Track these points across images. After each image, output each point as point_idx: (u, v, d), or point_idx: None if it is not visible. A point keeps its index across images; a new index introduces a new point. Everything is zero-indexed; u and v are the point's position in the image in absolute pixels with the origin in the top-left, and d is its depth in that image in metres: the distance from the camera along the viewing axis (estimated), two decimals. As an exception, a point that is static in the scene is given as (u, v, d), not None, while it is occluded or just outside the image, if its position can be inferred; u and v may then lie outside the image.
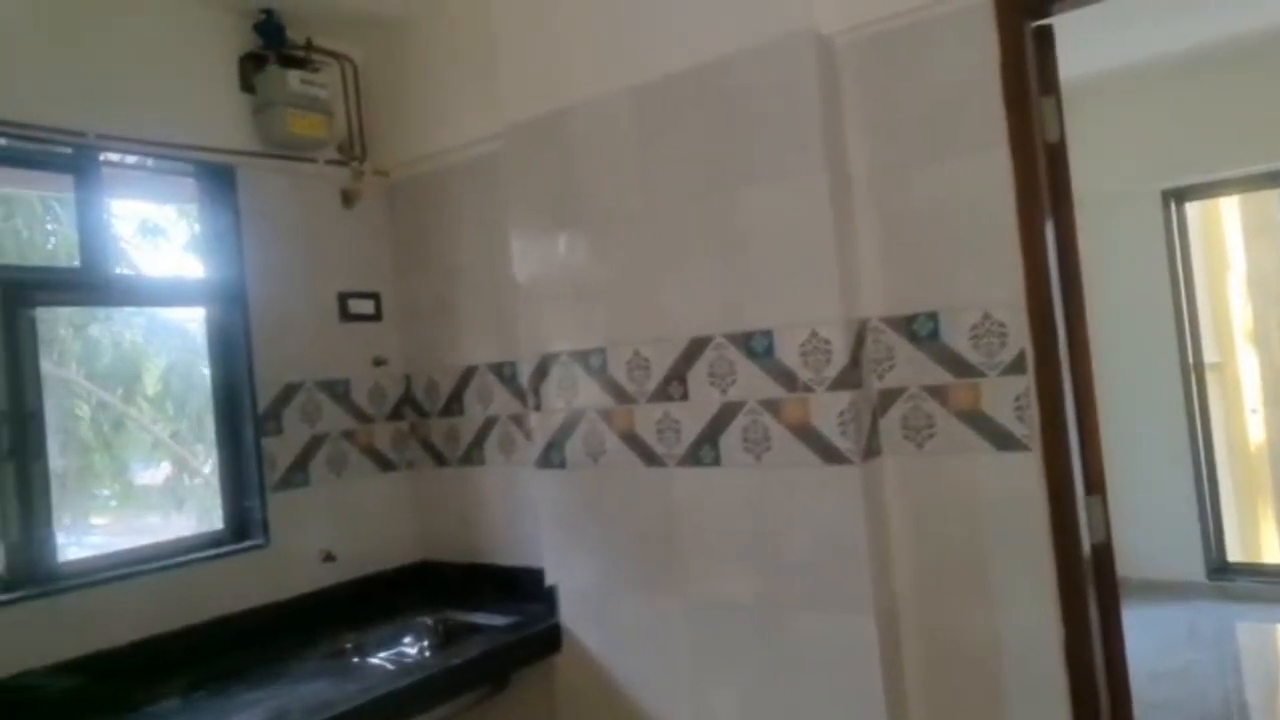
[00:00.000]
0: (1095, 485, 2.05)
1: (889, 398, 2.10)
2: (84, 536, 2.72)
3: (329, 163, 2.96)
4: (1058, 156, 2.06)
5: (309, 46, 2.89)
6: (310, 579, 2.73)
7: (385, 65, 3.09)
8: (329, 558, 2.78)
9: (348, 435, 2.93)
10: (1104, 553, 2.06)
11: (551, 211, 2.52)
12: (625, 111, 2.35)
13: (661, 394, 2.31)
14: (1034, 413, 1.93)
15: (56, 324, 2.71)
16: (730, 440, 2.19)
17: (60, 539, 2.34)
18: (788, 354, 2.11)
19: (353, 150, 3.02)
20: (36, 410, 2.34)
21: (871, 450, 2.08)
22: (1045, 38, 2.06)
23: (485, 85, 2.70)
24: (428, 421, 3.07)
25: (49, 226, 2.90)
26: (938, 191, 2.03)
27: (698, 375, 2.25)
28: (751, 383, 2.16)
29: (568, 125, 2.47)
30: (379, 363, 3.04)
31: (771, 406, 2.13)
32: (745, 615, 2.18)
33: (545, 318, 2.55)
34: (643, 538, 2.36)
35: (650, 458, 2.34)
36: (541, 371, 2.56)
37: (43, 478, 2.33)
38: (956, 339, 2.01)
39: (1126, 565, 3.40)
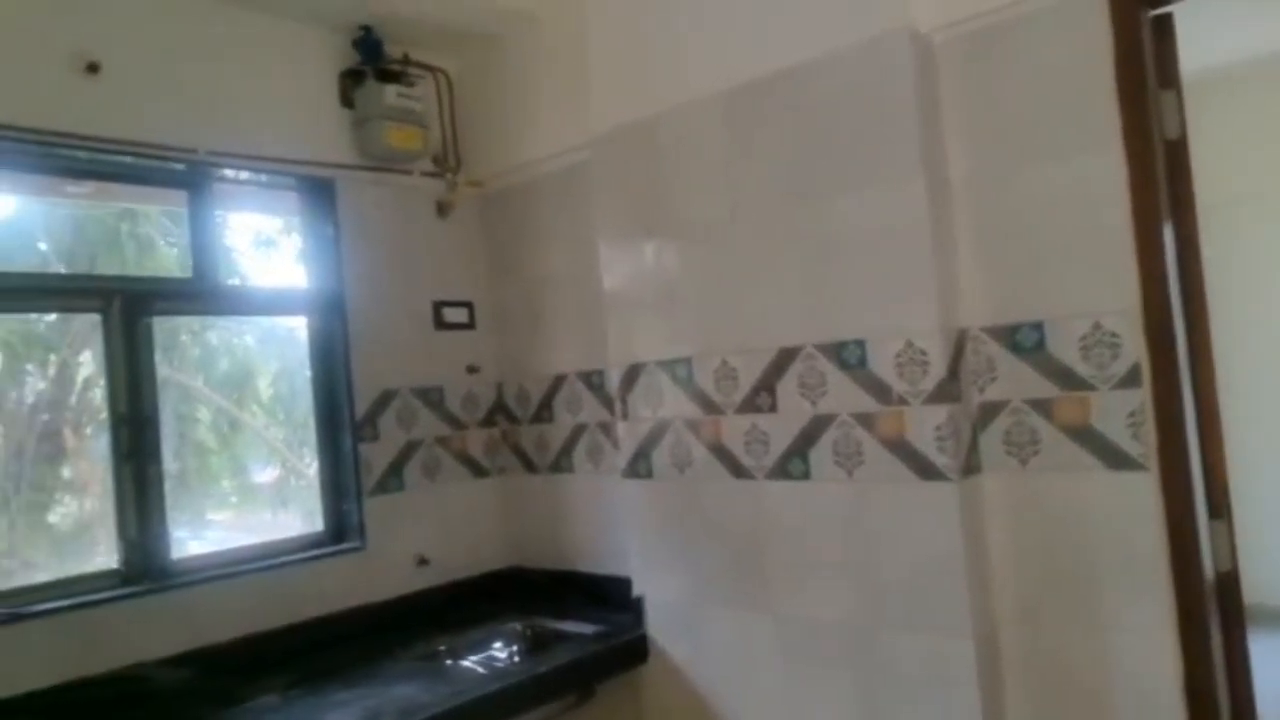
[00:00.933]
0: (1219, 508, 1.90)
1: (990, 412, 2.00)
2: (202, 531, 2.86)
3: (424, 174, 3.03)
4: (1178, 155, 1.93)
5: (405, 61, 2.97)
6: (404, 582, 2.79)
7: (479, 77, 3.14)
8: (423, 561, 2.84)
9: (441, 441, 2.99)
10: (1229, 581, 1.91)
11: (639, 219, 2.51)
12: (714, 117, 2.32)
13: (750, 405, 2.27)
14: (1150, 429, 1.80)
15: (177, 331, 2.86)
16: (821, 453, 2.13)
17: (180, 534, 2.46)
18: (882, 365, 2.03)
19: (447, 161, 3.08)
20: (153, 414, 2.47)
21: (971, 467, 1.98)
22: (1165, 27, 1.92)
23: (576, 95, 2.71)
24: (518, 428, 3.11)
25: (168, 239, 3.07)
26: (1043, 194, 1.92)
27: (787, 386, 2.19)
28: (843, 394, 2.10)
29: (656, 132, 2.45)
30: (472, 370, 3.09)
31: (864, 419, 2.06)
32: (838, 634, 2.12)
33: (633, 326, 2.54)
34: (731, 551, 2.31)
35: (738, 470, 2.29)
36: (629, 380, 2.54)
37: (158, 478, 2.45)
38: (1064, 350, 1.90)
39: (1257, 592, 3.16)
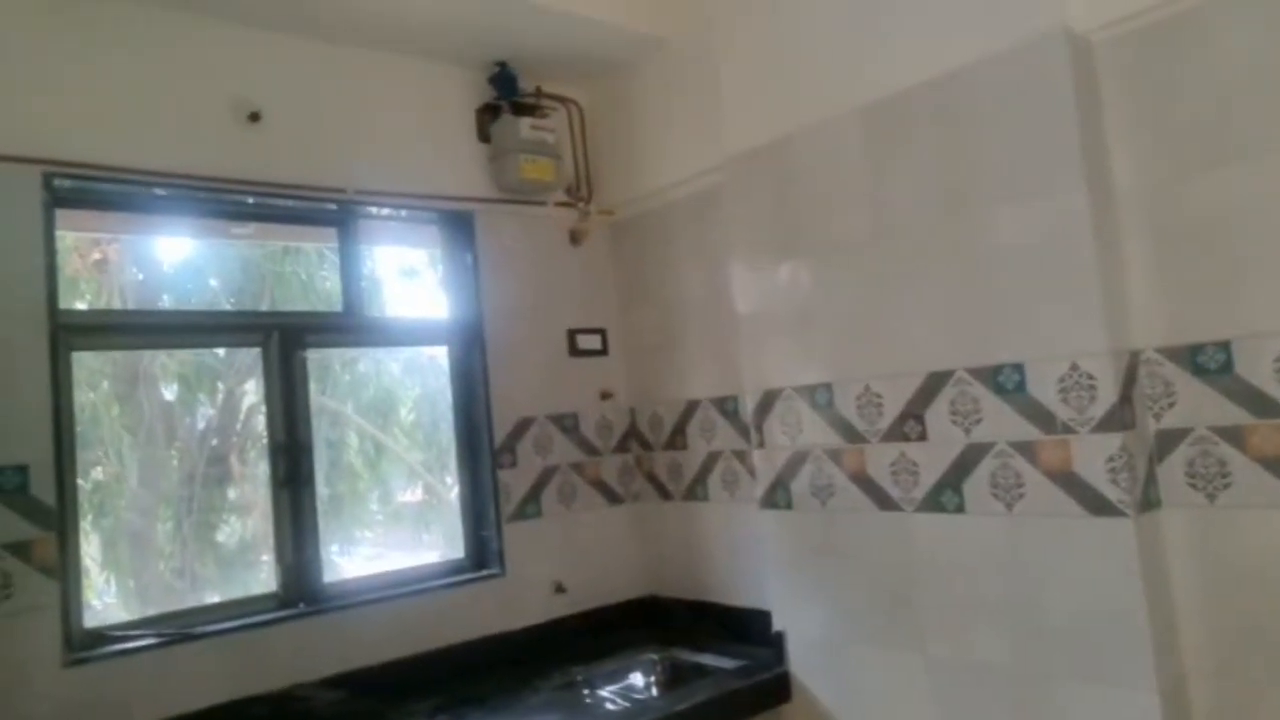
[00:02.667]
0: None
1: (1169, 440, 1.82)
2: (351, 549, 2.98)
3: (558, 204, 3.08)
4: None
5: (539, 94, 3.02)
6: (542, 609, 2.81)
7: (609, 106, 3.16)
8: (560, 589, 2.85)
9: (576, 468, 3.00)
10: None
11: (774, 241, 2.45)
12: (852, 133, 2.24)
13: (896, 433, 2.15)
14: (1369, 462, 1.59)
15: (329, 360, 3.01)
16: (976, 485, 2.00)
17: (332, 556, 2.56)
18: (1043, 390, 1.88)
19: (579, 191, 3.12)
20: (308, 442, 2.58)
21: (1149, 501, 1.80)
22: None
23: (707, 119, 2.68)
24: (652, 455, 3.08)
25: (320, 273, 3.24)
26: (1225, 201, 1.74)
27: (937, 413, 2.07)
28: (1000, 422, 1.96)
29: (791, 152, 2.39)
30: (605, 396, 3.10)
31: (1025, 449, 1.91)
32: (998, 680, 1.96)
33: (768, 351, 2.47)
34: (878, 587, 2.20)
35: (884, 501, 2.18)
36: (765, 407, 2.47)
37: (312, 504, 2.56)
38: (1256, 372, 1.71)
39: None
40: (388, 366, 3.35)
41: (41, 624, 2.02)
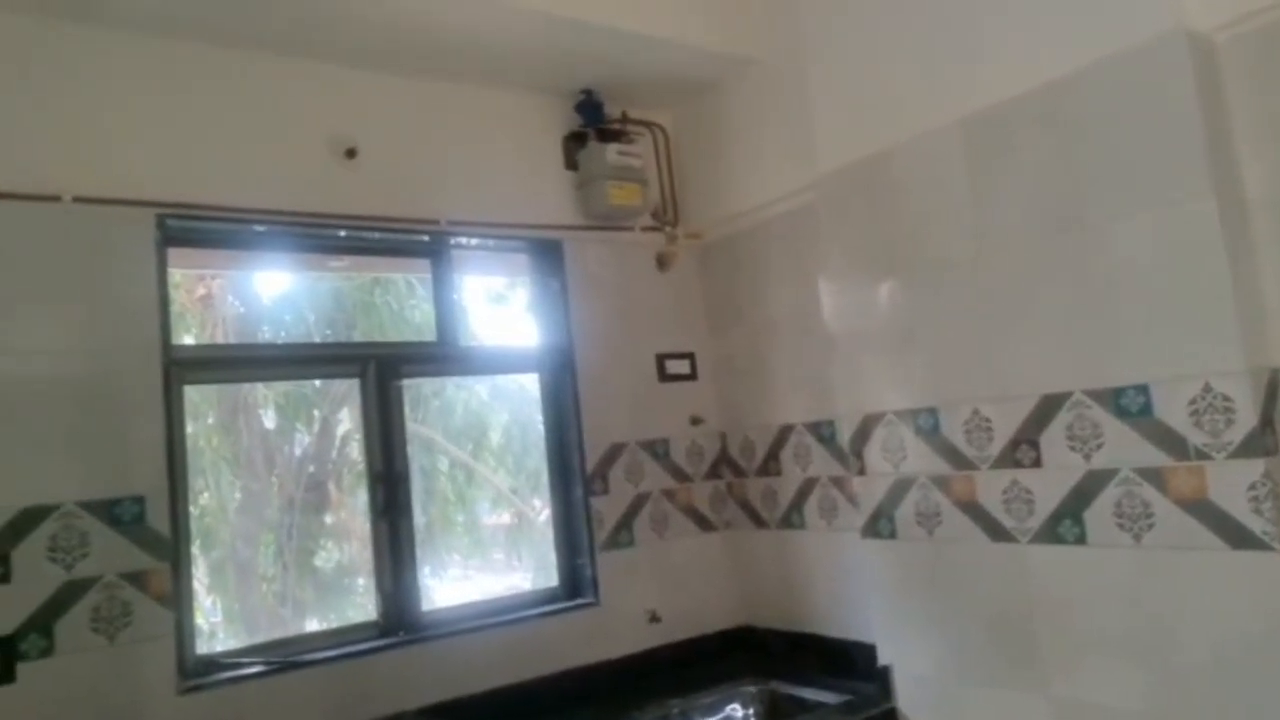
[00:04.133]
0: None
1: (1319, 467, 1.68)
2: (443, 571, 3.00)
3: (644, 229, 3.07)
4: None
5: (624, 119, 3.03)
6: (637, 639, 2.77)
7: (694, 129, 3.15)
8: (655, 618, 2.81)
9: (668, 495, 2.96)
10: None
11: (870, 261, 2.38)
12: (952, 146, 2.16)
13: (1008, 459, 2.05)
14: None
15: (420, 387, 3.05)
16: (1099, 515, 1.88)
17: (427, 581, 2.58)
18: (1171, 413, 1.76)
19: (666, 215, 3.10)
20: (404, 471, 2.61)
21: (1298, 533, 1.66)
22: None
23: (797, 137, 2.64)
24: (744, 481, 3.02)
25: (411, 303, 3.30)
26: (1379, 206, 1.61)
27: (1053, 438, 1.96)
28: (1123, 447, 1.84)
29: (887, 168, 2.32)
30: (696, 422, 3.06)
31: (1152, 476, 1.79)
32: (1128, 724, 1.84)
33: (865, 374, 2.39)
34: (992, 622, 2.09)
35: (996, 531, 2.08)
36: (863, 432, 2.39)
37: (409, 533, 2.59)
38: None
39: None
40: (476, 392, 3.38)
41: (157, 652, 2.08)
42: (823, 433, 2.71)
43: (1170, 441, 1.76)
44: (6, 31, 2.13)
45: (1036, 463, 1.99)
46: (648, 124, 3.11)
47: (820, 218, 2.54)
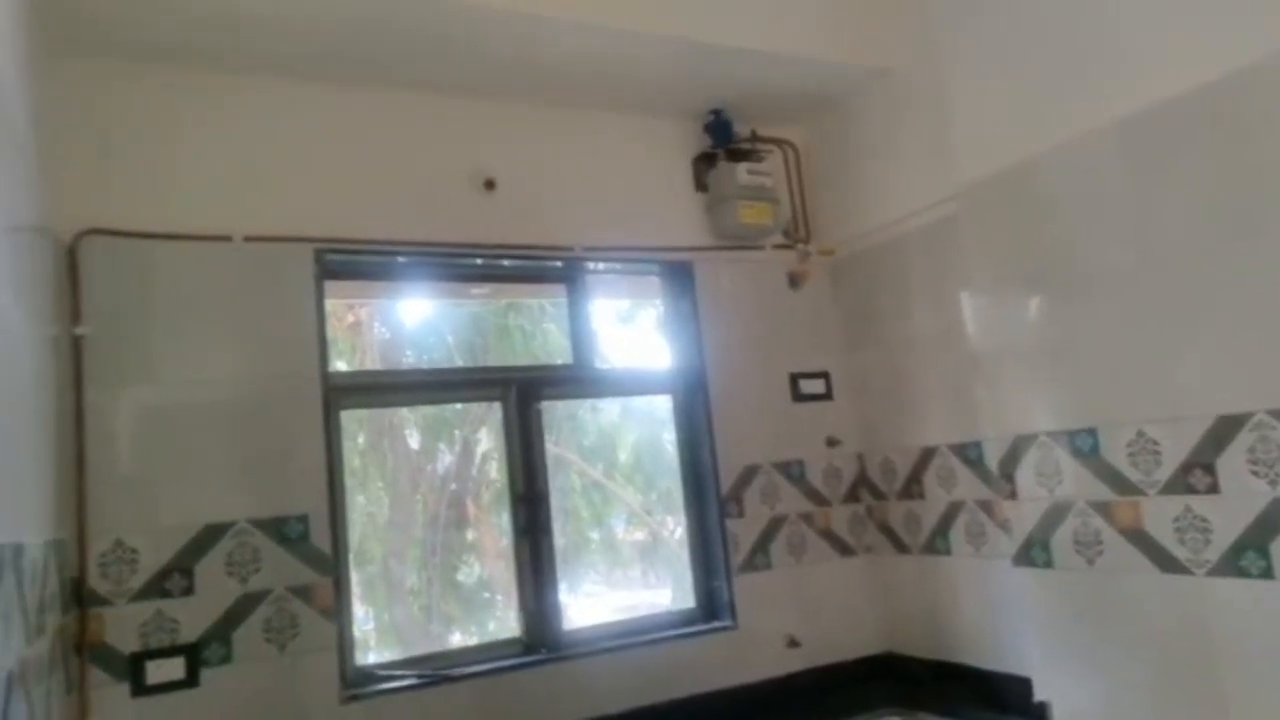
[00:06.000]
0: None
1: None
2: (578, 586, 3.05)
3: (776, 247, 3.04)
4: None
5: (753, 138, 3.02)
6: (775, 663, 2.73)
7: (825, 144, 3.10)
8: (793, 643, 2.76)
9: (805, 518, 2.91)
10: None
11: (1019, 273, 2.27)
12: (1110, 150, 2.04)
13: (1179, 484, 1.91)
14: None
15: (556, 408, 3.12)
16: (1288, 547, 1.72)
17: (566, 599, 2.63)
18: (1374, 436, 1.60)
19: (797, 232, 3.06)
20: (544, 492, 2.67)
21: None
22: None
23: (933, 149, 2.56)
24: (885, 505, 2.93)
25: (544, 325, 3.39)
26: None
27: (1231, 462, 1.81)
28: (1317, 473, 1.68)
29: (1035, 176, 2.22)
30: (832, 443, 2.99)
31: (1353, 506, 1.63)
32: (1330, 779, 1.67)
33: (1015, 393, 2.28)
34: (1164, 661, 1.94)
35: (1167, 562, 1.93)
36: (1014, 454, 2.28)
37: (550, 552, 2.65)
38: None
39: None
40: (608, 411, 3.43)
41: (322, 662, 2.21)
42: (969, 454, 2.60)
43: (1374, 467, 1.60)
44: (178, 86, 2.32)
45: (1213, 488, 1.85)
46: (778, 141, 3.08)
47: (961, 230, 2.45)
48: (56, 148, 2.06)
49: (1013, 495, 2.29)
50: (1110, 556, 2.05)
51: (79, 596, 2.00)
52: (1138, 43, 1.98)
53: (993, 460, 2.37)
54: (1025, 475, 2.25)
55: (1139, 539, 1.99)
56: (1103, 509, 2.06)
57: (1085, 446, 2.10)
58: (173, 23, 2.16)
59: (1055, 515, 2.18)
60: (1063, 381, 2.16)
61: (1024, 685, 2.28)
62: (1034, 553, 2.23)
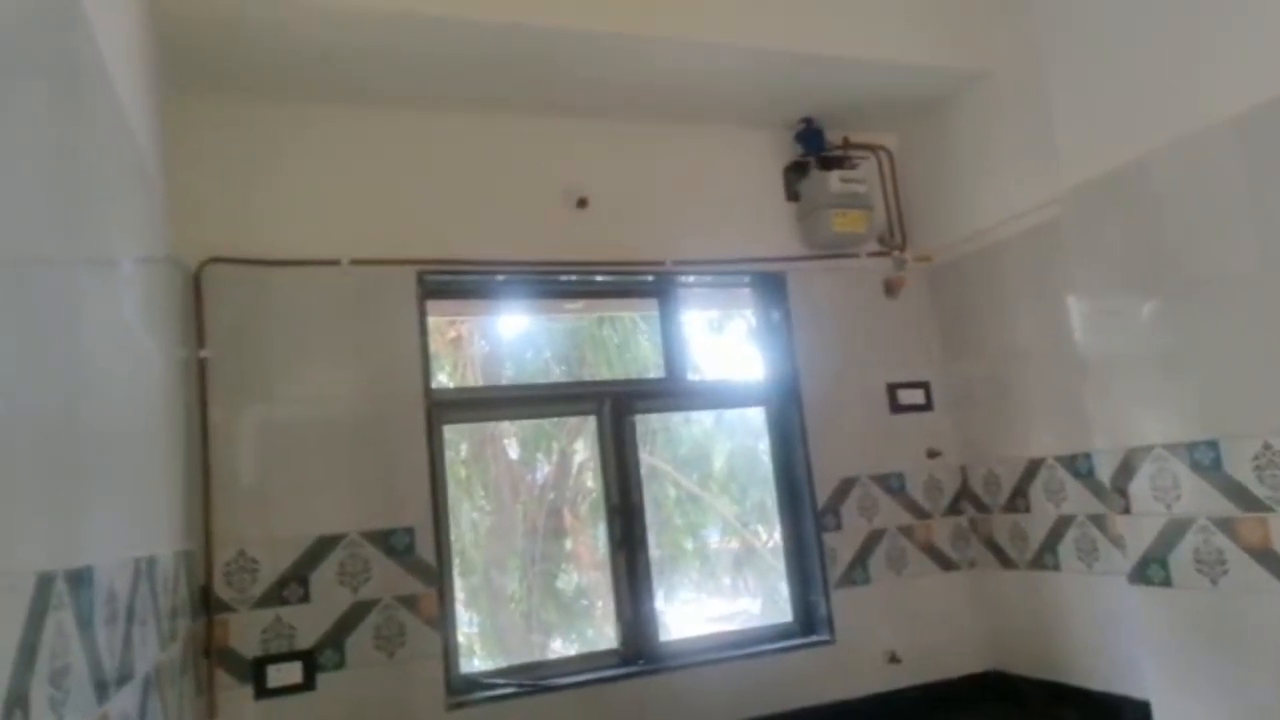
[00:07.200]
0: None
1: None
2: (674, 594, 3.07)
3: (870, 255, 2.99)
4: None
5: (846, 145, 2.98)
6: (876, 680, 2.68)
7: (921, 149, 3.03)
8: (894, 659, 2.70)
9: (905, 531, 2.85)
10: None
11: (1130, 277, 2.17)
12: (1228, 146, 1.93)
13: (1313, 501, 1.79)
14: None
15: (649, 419, 3.15)
16: None
17: (661, 608, 2.65)
18: None
19: (893, 239, 3.01)
20: (639, 504, 2.70)
21: None
22: None
23: (1034, 151, 2.47)
24: (989, 518, 2.84)
25: (636, 338, 3.43)
26: None
27: (1372, 478, 1.69)
28: None
29: (1146, 175, 2.11)
30: (933, 455, 2.92)
31: None
32: None
33: (1127, 404, 2.17)
34: (1298, 688, 1.82)
35: (1301, 583, 1.81)
36: (1127, 467, 2.17)
37: (646, 563, 2.67)
38: None
39: None
40: (701, 420, 3.44)
41: (428, 670, 2.29)
42: (1078, 467, 2.50)
43: None
44: (287, 119, 2.46)
45: (1351, 506, 1.72)
46: (871, 147, 3.04)
47: (1065, 234, 2.35)
48: (180, 181, 2.20)
49: (1126, 510, 2.18)
50: (1236, 576, 1.93)
51: (207, 603, 2.14)
52: (1255, 35, 1.87)
53: (1104, 473, 2.27)
54: (1140, 489, 2.15)
55: (1269, 559, 1.87)
56: (1226, 526, 1.95)
57: (1206, 460, 1.99)
58: (283, 59, 2.28)
59: (1174, 532, 2.06)
60: (1179, 391, 2.05)
61: (1142, 709, 2.17)
62: (1151, 570, 2.12)
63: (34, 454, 0.87)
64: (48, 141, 1.02)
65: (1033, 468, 2.66)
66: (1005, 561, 2.78)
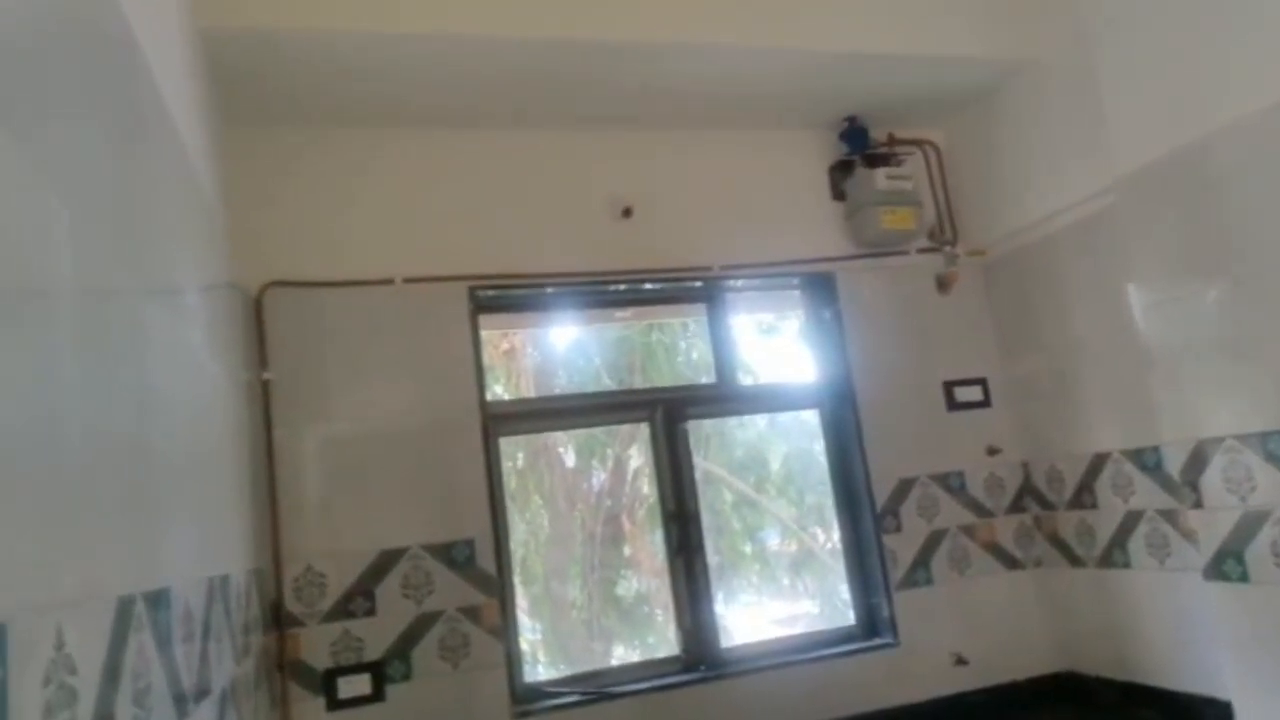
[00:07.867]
0: None
1: None
2: (734, 597, 3.06)
3: (920, 251, 2.95)
4: None
5: (891, 141, 2.94)
6: (942, 682, 2.63)
7: (968, 141, 2.98)
8: (960, 661, 2.65)
9: (966, 530, 2.80)
10: None
11: (1191, 264, 2.10)
12: (1289, 128, 1.86)
13: (1398, 490, 1.71)
14: None
15: (703, 425, 3.15)
16: None
17: (719, 604, 2.64)
18: None
19: (943, 235, 2.96)
20: (695, 510, 2.70)
21: None
22: None
23: (1084, 140, 2.42)
24: (1054, 515, 2.78)
25: (684, 343, 3.43)
26: None
27: None
28: None
29: (1205, 158, 2.05)
30: (993, 452, 2.86)
31: None
32: None
33: (1196, 394, 2.11)
34: (1391, 686, 1.74)
35: (1389, 576, 1.73)
36: (1198, 460, 2.11)
37: (704, 569, 2.67)
38: None
39: None
40: (755, 425, 3.43)
41: (493, 679, 2.33)
42: (1145, 460, 2.43)
43: None
44: (338, 142, 2.52)
45: None
46: (917, 142, 3.00)
47: (1122, 222, 2.29)
48: (239, 209, 2.27)
49: (1198, 504, 2.11)
50: (1318, 570, 1.86)
51: (278, 619, 2.20)
52: (1318, 5, 1.80)
53: (1173, 466, 2.20)
54: (1212, 482, 2.08)
55: (1352, 551, 1.79)
56: (1306, 518, 1.88)
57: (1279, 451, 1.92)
58: (333, 85, 2.33)
59: (1250, 525, 1.99)
60: (1251, 379, 1.98)
61: (1223, 709, 2.09)
62: (1227, 566, 2.05)
63: (109, 480, 0.91)
64: (116, 181, 1.07)
65: (1098, 462, 2.59)
66: (1073, 559, 2.71)
